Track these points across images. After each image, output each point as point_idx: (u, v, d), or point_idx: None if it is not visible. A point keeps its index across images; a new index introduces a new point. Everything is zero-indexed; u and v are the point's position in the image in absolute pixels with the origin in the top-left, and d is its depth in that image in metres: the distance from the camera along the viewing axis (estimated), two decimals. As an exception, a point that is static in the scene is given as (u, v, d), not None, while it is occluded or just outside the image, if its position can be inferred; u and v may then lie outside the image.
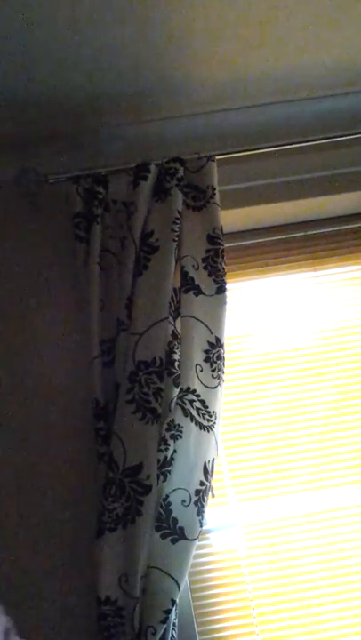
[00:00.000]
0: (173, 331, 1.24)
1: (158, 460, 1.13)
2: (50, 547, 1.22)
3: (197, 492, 1.14)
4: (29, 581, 1.19)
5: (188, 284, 1.30)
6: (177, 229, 1.33)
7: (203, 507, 1.13)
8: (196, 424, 1.19)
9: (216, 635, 1.24)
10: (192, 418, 1.19)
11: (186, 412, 1.19)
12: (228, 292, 1.32)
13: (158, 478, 1.12)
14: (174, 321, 1.26)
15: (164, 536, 1.10)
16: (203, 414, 1.21)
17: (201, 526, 1.13)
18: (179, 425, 1.17)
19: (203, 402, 1.22)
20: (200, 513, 1.13)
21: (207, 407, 1.22)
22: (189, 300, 1.29)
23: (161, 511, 1.12)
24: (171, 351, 1.22)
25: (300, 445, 1.41)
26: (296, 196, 1.57)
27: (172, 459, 1.15)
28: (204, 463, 1.17)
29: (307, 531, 1.33)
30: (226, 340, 1.29)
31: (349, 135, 1.54)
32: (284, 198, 1.56)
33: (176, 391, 1.19)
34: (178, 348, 1.23)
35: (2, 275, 1.47)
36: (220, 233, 1.36)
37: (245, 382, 1.48)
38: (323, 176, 1.59)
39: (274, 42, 1.39)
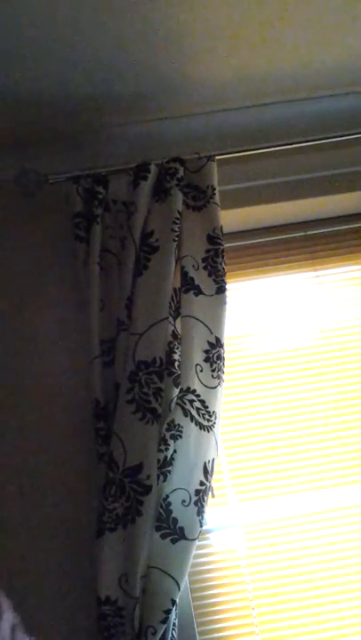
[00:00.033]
0: (173, 331, 1.24)
1: (158, 460, 1.13)
2: (50, 547, 1.22)
3: (197, 492, 1.14)
4: (29, 581, 1.19)
5: (188, 284, 1.30)
6: (177, 229, 1.33)
7: (203, 507, 1.13)
8: (196, 424, 1.19)
9: (216, 635, 1.24)
10: (192, 418, 1.19)
11: (186, 412, 1.19)
12: (228, 292, 1.32)
13: (158, 478, 1.12)
14: (174, 321, 1.26)
15: (164, 536, 1.10)
16: (203, 414, 1.21)
17: (201, 526, 1.13)
18: (179, 425, 1.17)
19: (203, 402, 1.22)
20: (200, 513, 1.13)
21: (207, 407, 1.22)
22: (189, 300, 1.29)
23: (161, 511, 1.12)
24: (171, 351, 1.21)
25: (300, 445, 1.41)
26: (296, 196, 1.57)
27: (172, 459, 1.15)
28: (204, 463, 1.17)
29: (307, 531, 1.33)
30: (226, 340, 1.29)
31: (349, 135, 1.54)
32: (284, 198, 1.56)
33: (176, 391, 1.19)
34: (178, 348, 1.23)
35: (2, 275, 1.47)
36: (220, 233, 1.36)
37: (245, 382, 1.48)
38: (323, 176, 1.58)
39: (274, 42, 1.39)
